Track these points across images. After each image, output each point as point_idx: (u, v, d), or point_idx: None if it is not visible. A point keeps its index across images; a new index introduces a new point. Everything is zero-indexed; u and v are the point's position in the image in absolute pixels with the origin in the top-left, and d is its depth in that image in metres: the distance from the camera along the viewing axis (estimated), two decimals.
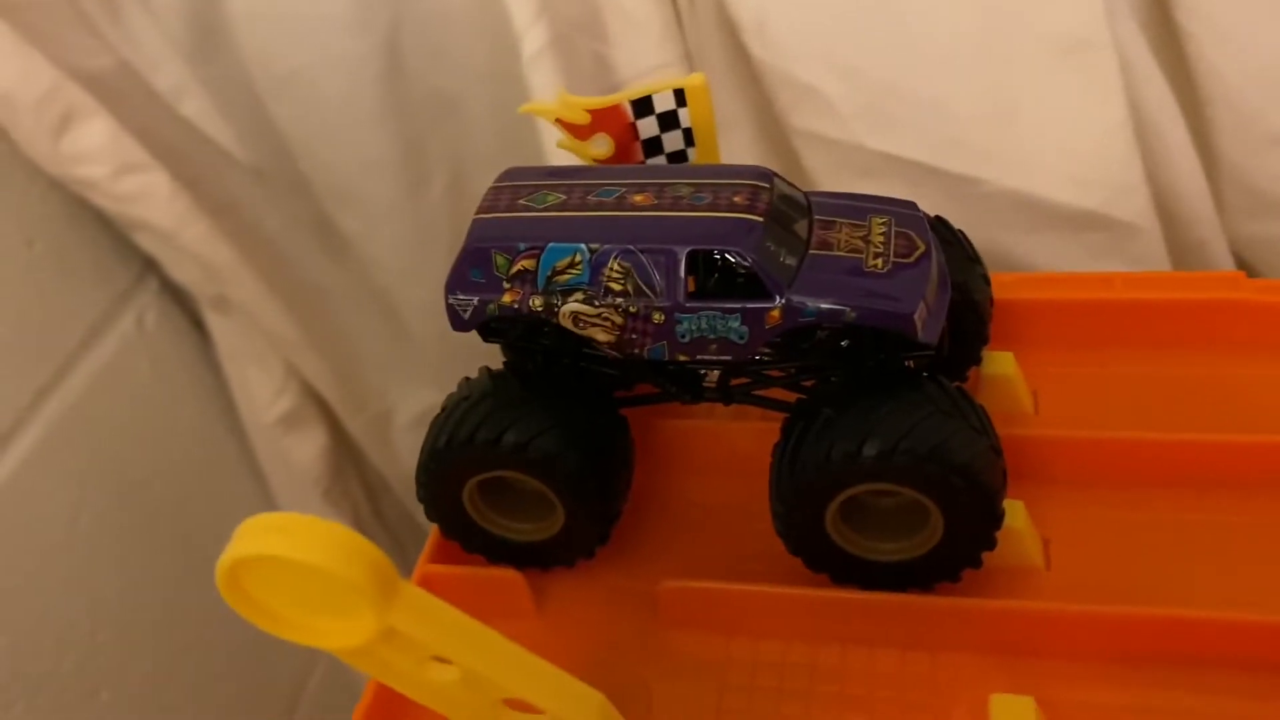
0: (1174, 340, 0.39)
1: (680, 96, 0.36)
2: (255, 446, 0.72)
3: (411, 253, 0.63)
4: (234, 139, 0.60)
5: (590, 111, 0.37)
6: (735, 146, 0.58)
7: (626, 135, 0.37)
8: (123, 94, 0.57)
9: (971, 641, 0.32)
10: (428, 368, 0.70)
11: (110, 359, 0.63)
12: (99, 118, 0.55)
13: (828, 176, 0.55)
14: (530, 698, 0.25)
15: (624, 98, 0.37)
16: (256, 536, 0.23)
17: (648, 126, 0.37)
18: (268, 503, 0.74)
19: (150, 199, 0.57)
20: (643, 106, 0.36)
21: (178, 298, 0.67)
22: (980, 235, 0.41)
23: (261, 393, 0.68)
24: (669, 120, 0.36)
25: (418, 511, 0.77)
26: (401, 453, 0.73)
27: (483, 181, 0.58)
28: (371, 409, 0.71)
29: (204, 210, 0.59)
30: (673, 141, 0.37)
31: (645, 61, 0.56)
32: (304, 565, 0.22)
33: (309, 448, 0.71)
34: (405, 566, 0.31)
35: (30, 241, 0.58)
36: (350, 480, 0.75)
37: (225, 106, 0.59)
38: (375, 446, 0.73)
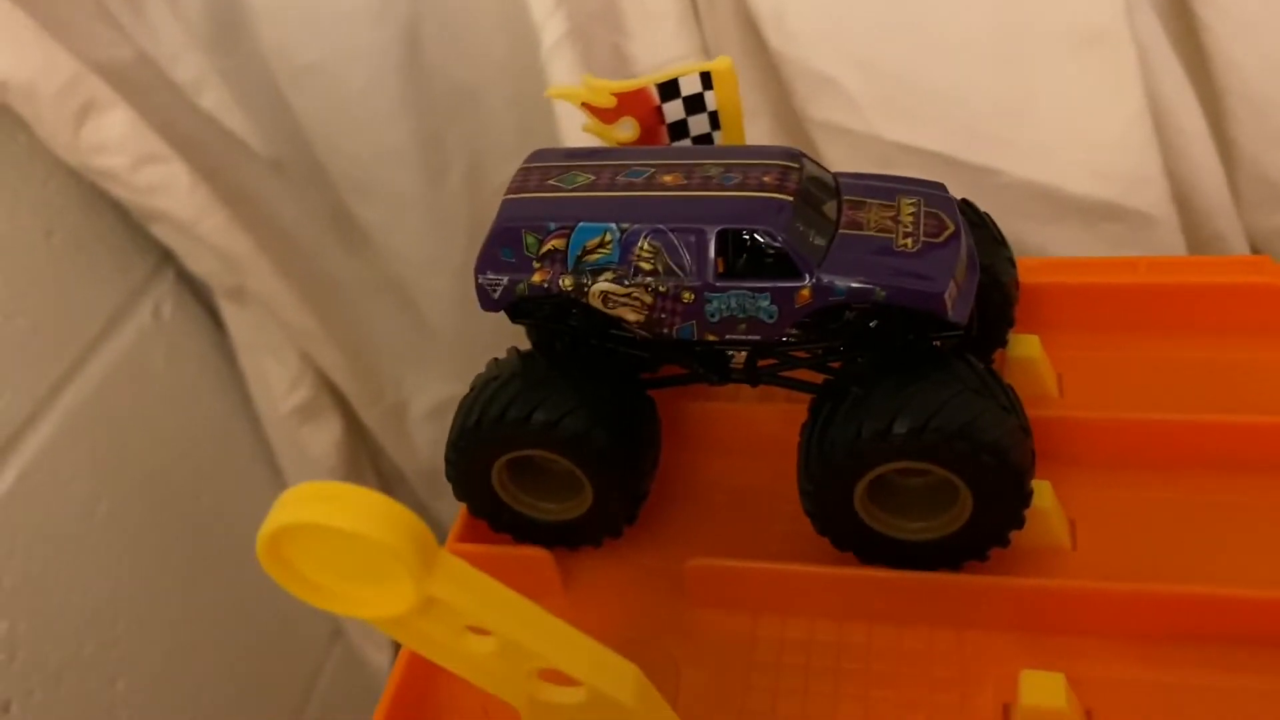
0: (1198, 324, 0.39)
1: (707, 80, 0.36)
2: (271, 437, 0.72)
3: (429, 243, 0.63)
4: (253, 131, 0.61)
5: (616, 95, 0.37)
6: (752, 137, 0.58)
7: (652, 119, 0.37)
8: (142, 86, 0.57)
9: (999, 619, 0.32)
10: (444, 359, 0.70)
11: (127, 350, 0.64)
12: (119, 109, 0.55)
13: (845, 167, 0.55)
14: (567, 669, 0.26)
15: (650, 81, 0.37)
16: (299, 505, 0.23)
17: (674, 110, 0.37)
18: (282, 492, 0.75)
19: (169, 190, 0.58)
20: (669, 90, 0.37)
21: (194, 289, 0.68)
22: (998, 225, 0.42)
23: (277, 384, 0.69)
24: (695, 104, 0.37)
25: (431, 503, 0.77)
26: (417, 444, 0.74)
27: (500, 172, 0.58)
28: (387, 400, 0.72)
29: (222, 201, 0.60)
30: (698, 125, 0.37)
31: (663, 53, 0.56)
32: (346, 533, 0.23)
33: (324, 438, 0.71)
34: None
35: (49, 233, 0.58)
36: (365, 471, 0.75)
37: (244, 98, 0.60)
38: (391, 438, 0.73)
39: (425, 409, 0.73)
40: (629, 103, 0.37)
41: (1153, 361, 0.39)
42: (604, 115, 0.38)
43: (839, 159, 0.55)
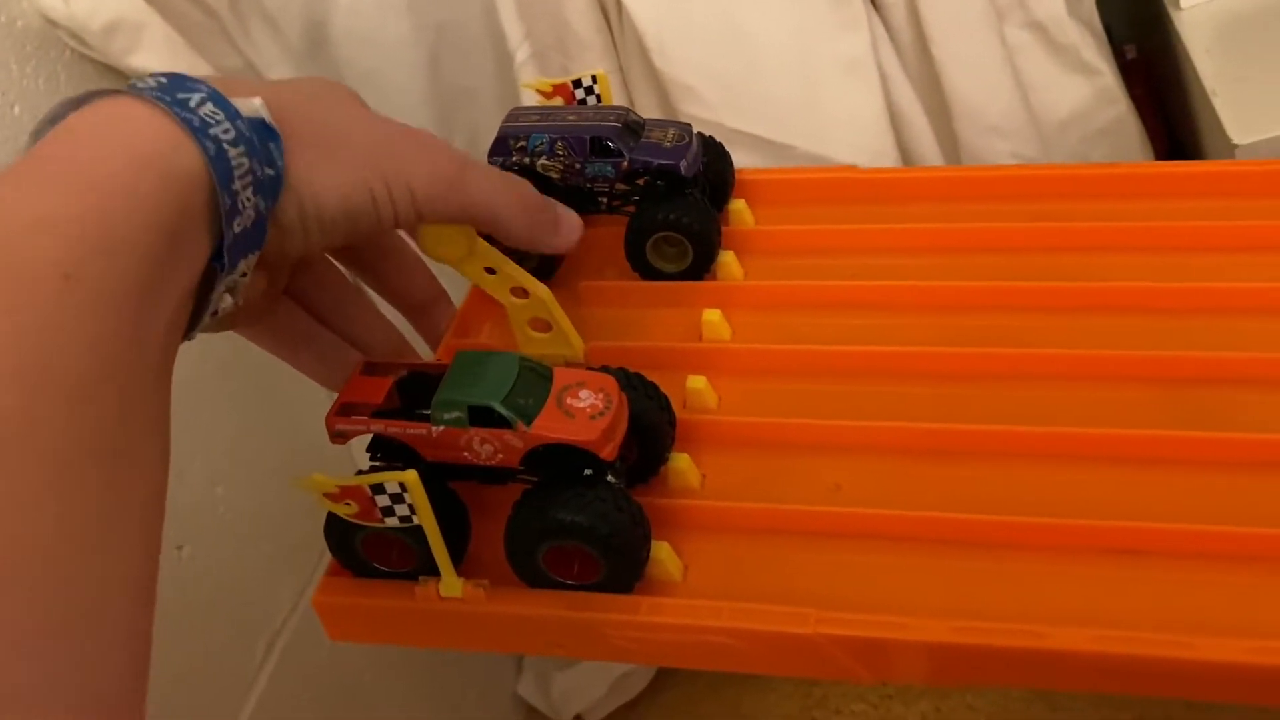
0: None
1: (594, 79, 0.68)
2: None
3: None
4: None
5: (553, 85, 0.69)
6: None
7: (569, 97, 0.69)
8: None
9: None
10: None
11: None
12: None
13: None
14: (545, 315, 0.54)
15: (569, 79, 0.69)
16: None
17: (579, 93, 0.69)
18: None
19: None
20: (577, 83, 0.68)
21: None
22: None
23: None
24: (589, 89, 0.68)
25: None
26: None
27: (489, 142, 0.88)
28: None
29: None
30: (591, 100, 0.69)
31: (593, 70, 0.86)
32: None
33: None
34: None
35: None
36: None
37: None
38: None
39: None
40: (559, 89, 0.69)
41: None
42: (546, 95, 0.70)
43: None
